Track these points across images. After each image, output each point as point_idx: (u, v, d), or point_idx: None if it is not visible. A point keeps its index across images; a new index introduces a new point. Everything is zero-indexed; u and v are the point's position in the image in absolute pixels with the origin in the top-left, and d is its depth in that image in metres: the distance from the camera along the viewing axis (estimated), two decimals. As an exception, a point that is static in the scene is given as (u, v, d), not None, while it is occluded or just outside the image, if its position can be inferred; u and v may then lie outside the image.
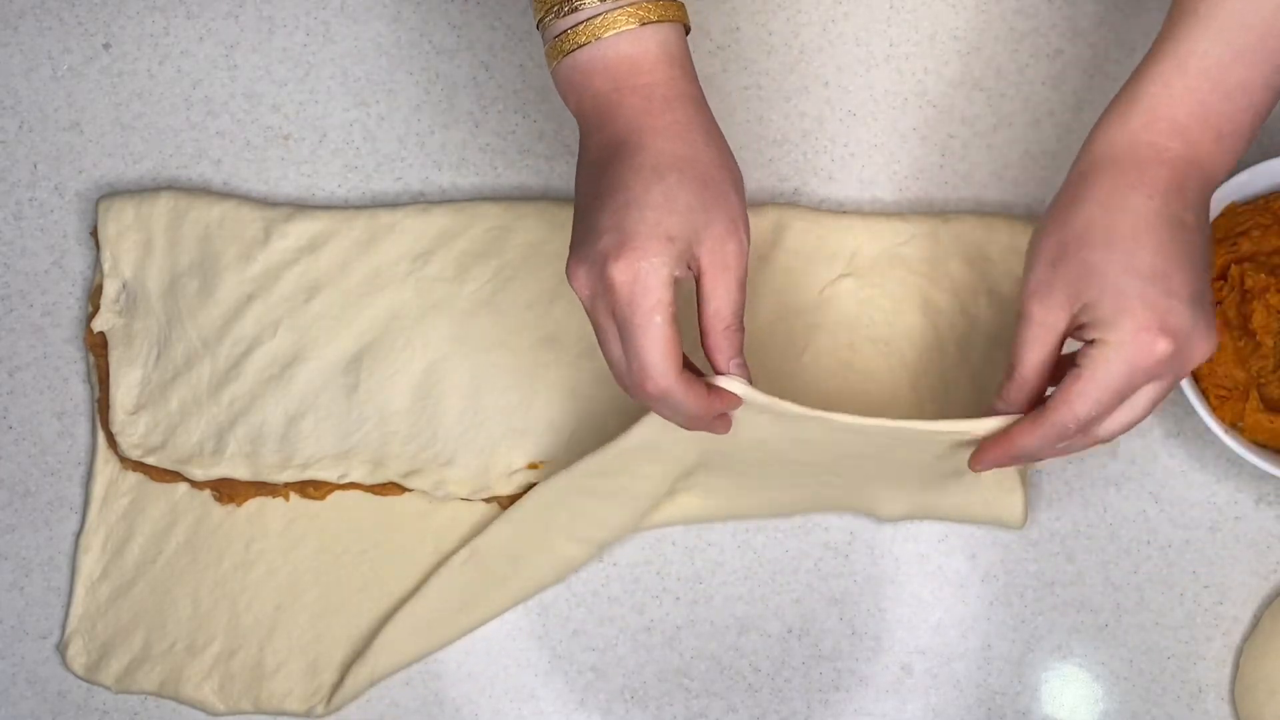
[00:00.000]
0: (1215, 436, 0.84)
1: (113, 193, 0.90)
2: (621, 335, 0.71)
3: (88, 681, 0.87)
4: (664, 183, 0.71)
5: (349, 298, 0.88)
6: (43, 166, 0.92)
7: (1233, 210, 0.86)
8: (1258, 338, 0.84)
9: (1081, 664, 0.87)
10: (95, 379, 0.89)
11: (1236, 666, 0.87)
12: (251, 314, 0.88)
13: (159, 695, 0.87)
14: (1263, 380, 0.85)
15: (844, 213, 0.90)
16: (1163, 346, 0.70)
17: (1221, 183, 0.75)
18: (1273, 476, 0.87)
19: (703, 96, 0.75)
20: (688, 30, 0.76)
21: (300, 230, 0.89)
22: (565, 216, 0.88)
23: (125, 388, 0.88)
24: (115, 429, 0.87)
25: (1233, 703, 0.87)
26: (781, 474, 0.83)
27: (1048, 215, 0.73)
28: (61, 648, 0.87)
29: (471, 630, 0.87)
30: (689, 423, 0.74)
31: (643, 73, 0.74)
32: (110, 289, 0.88)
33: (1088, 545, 0.88)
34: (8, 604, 0.88)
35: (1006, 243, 0.88)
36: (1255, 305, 0.84)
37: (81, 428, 0.90)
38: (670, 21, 0.74)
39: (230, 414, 0.87)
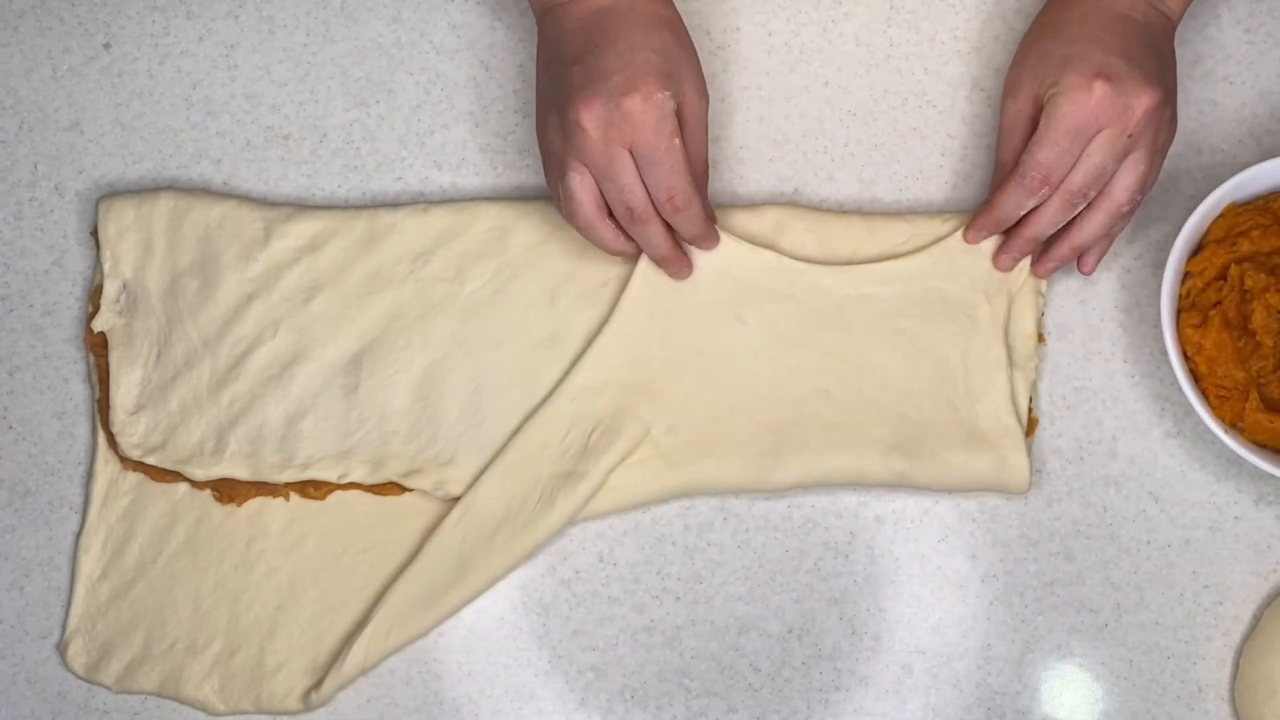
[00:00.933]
0: (1215, 436, 0.84)
1: (113, 193, 0.90)
2: (644, 161, 0.79)
3: (88, 681, 0.87)
4: (660, 34, 0.81)
5: (349, 298, 0.88)
6: (43, 166, 0.92)
7: (1233, 210, 0.86)
8: (1258, 338, 0.84)
9: (1081, 664, 0.87)
10: (95, 379, 0.89)
11: (1236, 666, 0.87)
12: (252, 314, 0.88)
13: (159, 695, 0.87)
14: (1263, 380, 0.85)
15: (844, 213, 0.90)
16: (1100, 87, 0.79)
17: (1178, 16, 0.84)
18: (1273, 476, 0.87)
19: None
20: None
21: (300, 230, 0.89)
22: (565, 216, 0.88)
23: (125, 388, 0.88)
24: (115, 429, 0.87)
25: (1232, 703, 0.87)
26: (764, 406, 0.86)
27: (1026, 33, 0.84)
28: (61, 648, 0.87)
29: (472, 598, 0.86)
30: (678, 248, 0.84)
31: None
32: (110, 289, 0.88)
33: (1088, 545, 0.88)
34: (8, 604, 0.88)
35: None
36: (1255, 305, 0.84)
37: (81, 428, 0.90)
38: None
39: (230, 414, 0.87)
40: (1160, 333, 0.87)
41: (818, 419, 0.86)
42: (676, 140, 0.79)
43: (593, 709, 0.87)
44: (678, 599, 0.88)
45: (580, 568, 0.88)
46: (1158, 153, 0.82)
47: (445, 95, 0.92)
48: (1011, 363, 0.87)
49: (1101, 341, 0.90)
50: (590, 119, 0.78)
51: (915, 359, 0.87)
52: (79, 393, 0.90)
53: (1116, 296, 0.90)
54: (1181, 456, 0.89)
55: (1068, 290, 0.90)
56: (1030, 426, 0.88)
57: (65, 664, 0.87)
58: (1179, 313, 0.86)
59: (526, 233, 0.89)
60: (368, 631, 0.85)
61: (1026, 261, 0.87)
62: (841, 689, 0.87)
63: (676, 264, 0.86)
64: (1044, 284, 0.88)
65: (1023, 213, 0.84)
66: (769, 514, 0.88)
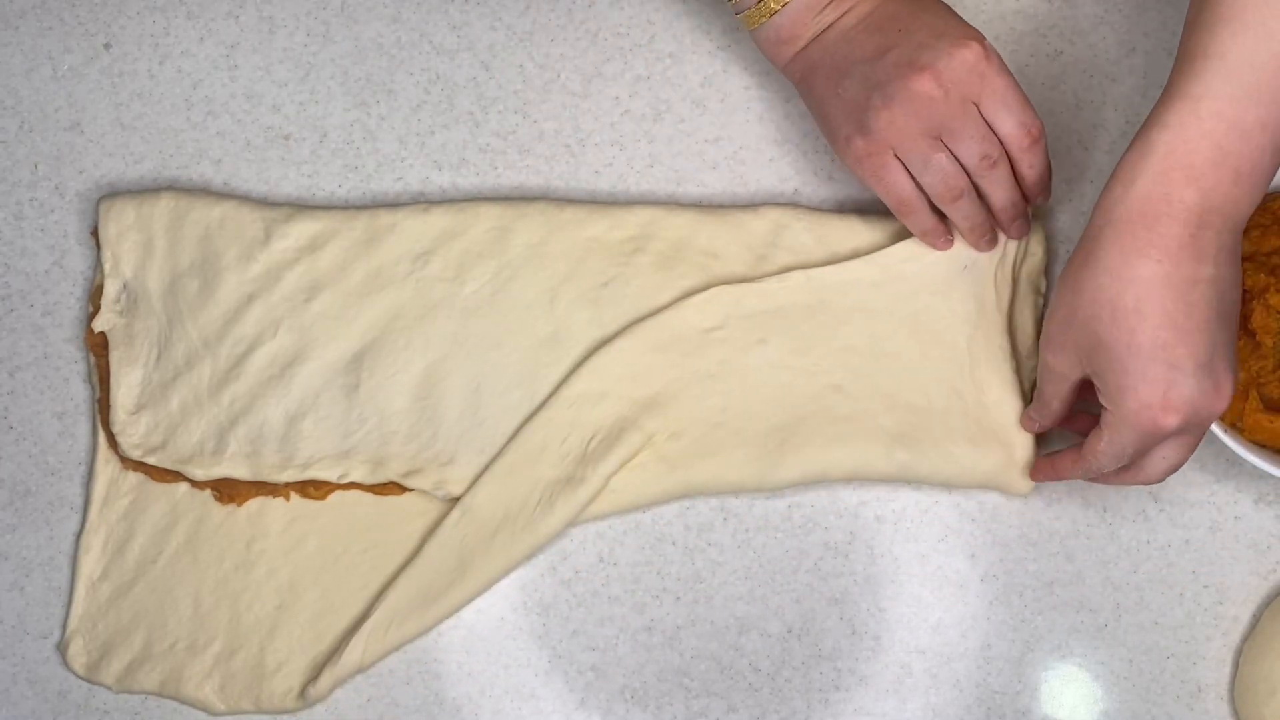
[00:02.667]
0: (1215, 436, 0.84)
1: (113, 193, 0.90)
2: (997, 104, 0.79)
3: (88, 681, 0.87)
4: (941, 9, 0.81)
5: (349, 298, 0.88)
6: (43, 166, 0.92)
7: (1233, 210, 0.86)
8: (1257, 338, 0.84)
9: (1081, 664, 0.87)
10: (96, 379, 0.89)
11: (1236, 666, 0.87)
12: (252, 314, 0.88)
13: (159, 695, 0.87)
14: (1263, 380, 0.85)
15: (844, 213, 0.90)
16: (1169, 420, 0.73)
17: (1246, 220, 0.74)
18: (1273, 476, 0.87)
19: None
20: None
21: (300, 230, 0.89)
22: (565, 217, 0.88)
23: (126, 388, 0.88)
24: (116, 429, 0.87)
25: (1232, 703, 0.87)
26: (773, 409, 0.86)
27: (1064, 272, 0.76)
28: (62, 648, 0.87)
29: (471, 599, 0.86)
30: (1008, 210, 0.84)
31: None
32: (111, 289, 0.88)
33: (1088, 545, 0.88)
34: (8, 604, 0.88)
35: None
36: (1255, 305, 0.84)
37: (82, 428, 0.90)
38: None
39: (231, 414, 0.87)
40: (1160, 333, 0.87)
41: (826, 414, 0.86)
42: (1002, 80, 0.79)
43: (593, 709, 0.87)
44: (678, 599, 0.88)
45: (580, 568, 0.88)
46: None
47: (445, 95, 0.92)
48: (1015, 356, 0.87)
49: (1101, 341, 0.90)
50: (931, 83, 0.77)
51: (927, 343, 0.87)
52: (79, 393, 0.90)
53: (1116, 296, 0.90)
54: (1181, 456, 0.89)
55: (1068, 290, 0.90)
56: None
57: (65, 664, 0.87)
58: (1179, 313, 0.86)
59: (526, 233, 0.89)
60: (366, 628, 0.86)
61: (1039, 256, 0.87)
62: (841, 689, 0.87)
63: (939, 237, 0.85)
64: (1044, 284, 0.88)
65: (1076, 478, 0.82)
66: (769, 514, 0.88)
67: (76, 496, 0.89)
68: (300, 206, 0.90)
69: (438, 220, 0.89)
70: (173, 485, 0.88)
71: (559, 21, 0.92)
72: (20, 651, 0.88)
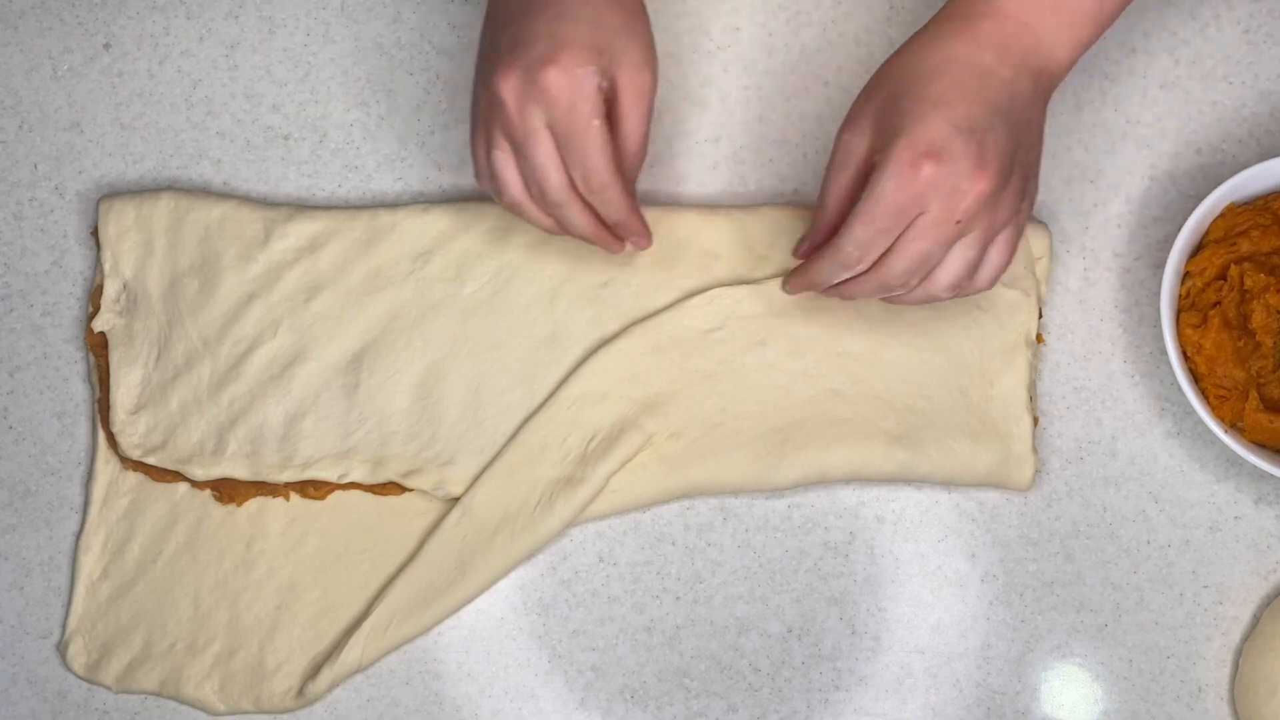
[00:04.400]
0: (1215, 436, 0.84)
1: (113, 193, 0.90)
2: (560, 140, 0.75)
3: (88, 681, 0.87)
4: (596, 3, 0.75)
5: (349, 298, 0.88)
6: (43, 166, 0.92)
7: (1232, 210, 0.86)
8: (1257, 338, 0.84)
9: (1081, 664, 0.87)
10: (95, 379, 0.89)
11: (1236, 666, 0.87)
12: (252, 314, 0.88)
13: (159, 695, 0.87)
14: (1262, 380, 0.85)
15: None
16: (927, 168, 0.72)
17: (1065, 66, 0.77)
18: (1273, 476, 0.87)
19: None
20: None
21: (300, 230, 0.89)
22: (565, 216, 0.88)
23: (125, 388, 0.88)
24: (115, 429, 0.87)
25: (1232, 703, 0.87)
26: (773, 411, 0.86)
27: (887, 59, 0.77)
28: (61, 648, 0.87)
29: (471, 599, 0.86)
30: (604, 229, 0.80)
31: None
32: (111, 289, 0.88)
33: (1088, 545, 0.88)
34: (8, 604, 0.88)
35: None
36: (1255, 305, 0.84)
37: (81, 428, 0.90)
38: None
39: (230, 414, 0.87)
40: (1160, 333, 0.87)
41: (825, 417, 0.86)
42: (596, 121, 0.74)
43: (593, 709, 0.87)
44: (678, 599, 0.88)
45: (580, 568, 0.88)
46: (998, 235, 0.76)
47: (445, 95, 0.92)
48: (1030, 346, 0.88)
49: (1101, 341, 0.90)
50: (508, 89, 0.74)
51: (928, 351, 0.87)
52: (79, 393, 0.90)
53: (1116, 296, 0.90)
54: (1181, 456, 0.89)
55: (1068, 290, 0.90)
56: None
57: (65, 664, 0.87)
58: (1179, 313, 0.86)
59: (526, 233, 0.89)
60: (365, 628, 0.86)
61: (1045, 256, 0.87)
62: (841, 689, 0.87)
63: (605, 243, 0.81)
64: (1044, 285, 0.88)
65: (837, 281, 0.78)
66: (769, 514, 0.88)
67: (76, 496, 0.89)
68: (300, 206, 0.90)
69: (438, 220, 0.89)
70: (173, 485, 0.88)
71: (559, 21, 0.92)
72: (20, 651, 0.88)
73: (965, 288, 0.78)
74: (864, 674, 0.87)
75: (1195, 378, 0.85)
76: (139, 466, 0.88)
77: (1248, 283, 0.84)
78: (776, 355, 0.87)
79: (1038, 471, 0.88)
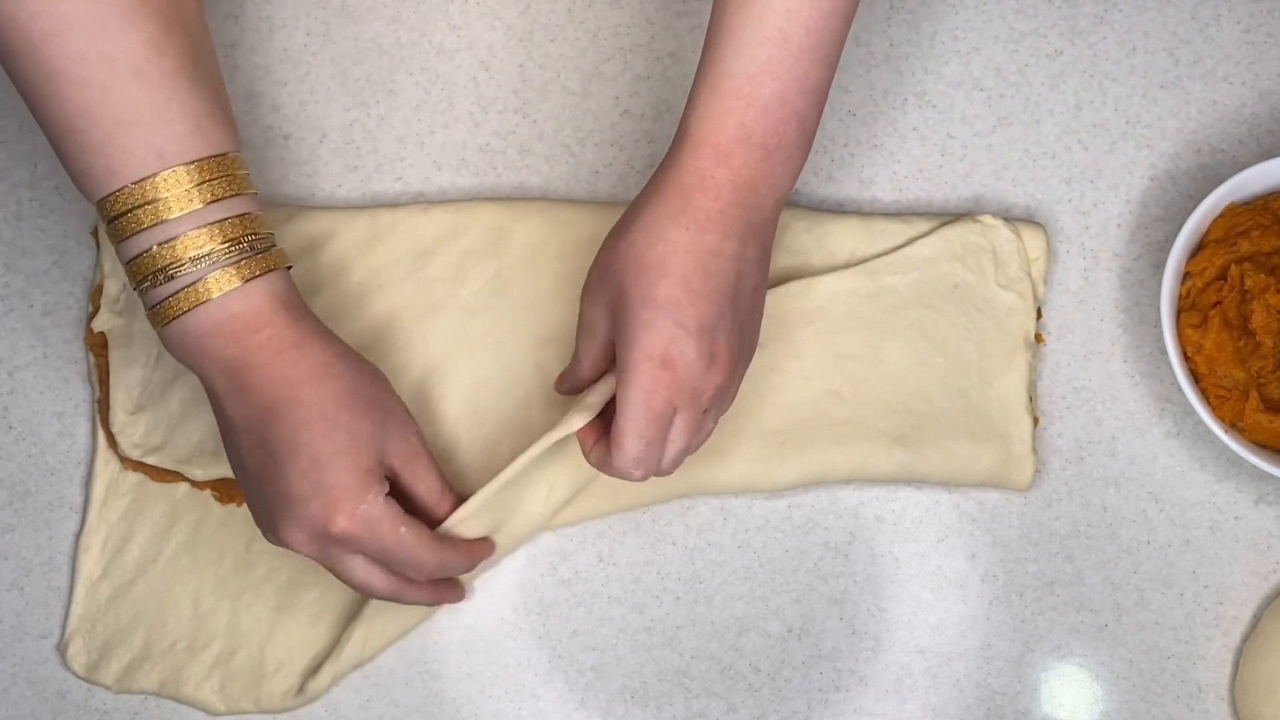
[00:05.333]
0: (1215, 436, 0.84)
1: (113, 193, 0.90)
2: (379, 560, 0.76)
3: (88, 681, 0.87)
4: (340, 427, 0.74)
5: (349, 298, 0.88)
6: (43, 166, 0.92)
7: (1232, 210, 0.86)
8: (1257, 338, 0.84)
9: (1081, 664, 0.87)
10: (95, 379, 0.89)
11: (1236, 666, 0.87)
12: (252, 314, 0.88)
13: (159, 695, 0.87)
14: (1263, 380, 0.85)
15: (844, 213, 0.90)
16: (664, 375, 0.73)
17: (787, 192, 0.77)
18: (1273, 476, 0.87)
19: (320, 322, 0.78)
20: (289, 267, 0.77)
21: (300, 230, 0.89)
22: (565, 216, 0.88)
23: (125, 388, 0.88)
24: (115, 429, 0.87)
25: (1232, 703, 0.87)
26: (772, 412, 0.87)
27: (612, 229, 0.77)
28: (61, 648, 0.87)
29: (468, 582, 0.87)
30: (464, 571, 0.81)
31: (262, 328, 0.75)
32: (111, 289, 0.88)
33: (1088, 545, 0.88)
34: (8, 604, 0.88)
35: (1006, 241, 0.88)
36: (1255, 305, 0.84)
37: (81, 428, 0.90)
38: (274, 270, 0.75)
39: (230, 414, 0.87)
40: (1160, 333, 0.87)
41: (825, 418, 0.86)
42: (402, 529, 0.75)
43: (593, 709, 0.87)
44: (678, 599, 0.88)
45: (580, 568, 0.88)
46: (732, 398, 0.79)
47: (445, 95, 0.92)
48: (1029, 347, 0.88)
49: (1101, 341, 0.90)
50: (304, 544, 0.75)
51: (927, 353, 0.87)
52: (79, 393, 0.90)
53: (1116, 296, 0.90)
54: (1181, 456, 0.89)
55: (1068, 290, 0.90)
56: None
57: (65, 664, 0.87)
58: (1179, 313, 0.86)
59: (526, 233, 0.89)
60: (365, 617, 0.85)
61: (1041, 257, 0.88)
62: (841, 689, 0.87)
63: (451, 599, 0.84)
64: (1040, 285, 0.88)
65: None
66: (769, 514, 0.88)
67: (76, 496, 0.89)
68: (300, 206, 0.90)
69: (437, 220, 0.89)
70: (173, 485, 0.88)
71: (559, 21, 0.92)
72: (20, 651, 0.88)
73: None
74: (864, 674, 0.87)
75: (1195, 378, 0.85)
76: (139, 466, 0.88)
77: (1248, 283, 0.84)
78: (775, 357, 0.87)
79: (1038, 471, 0.88)
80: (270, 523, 0.75)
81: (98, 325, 0.88)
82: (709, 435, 0.79)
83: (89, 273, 0.91)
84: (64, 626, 0.88)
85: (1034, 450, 0.87)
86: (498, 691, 0.87)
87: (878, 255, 0.88)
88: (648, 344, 0.73)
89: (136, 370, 0.88)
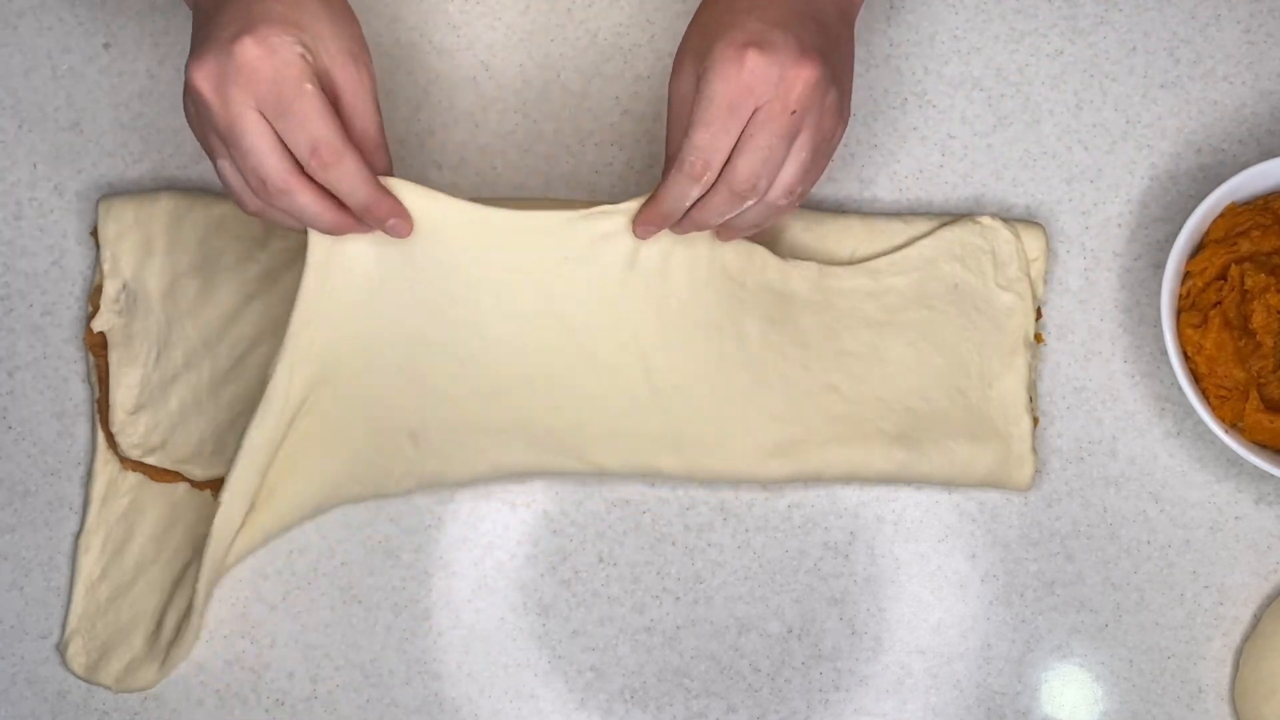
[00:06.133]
0: (1215, 436, 0.84)
1: (113, 193, 0.90)
2: (274, 114, 0.69)
3: (88, 681, 0.87)
4: None
5: (349, 297, 0.88)
6: (43, 166, 0.92)
7: (1233, 210, 0.86)
8: (1258, 338, 0.84)
9: (1081, 664, 0.87)
10: (95, 379, 0.89)
11: (1236, 667, 0.87)
12: (252, 314, 0.88)
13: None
14: (1263, 380, 0.85)
15: (844, 213, 0.90)
16: (753, 57, 0.70)
17: (856, 6, 0.78)
18: (1273, 476, 0.87)
19: None
20: None
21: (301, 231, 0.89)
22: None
23: (125, 388, 0.88)
24: (115, 429, 0.87)
25: (1232, 703, 0.87)
26: (770, 395, 0.85)
27: (696, 10, 0.76)
28: (61, 648, 0.87)
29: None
30: (348, 216, 0.74)
31: None
32: (110, 289, 0.88)
33: (1088, 545, 0.88)
34: (8, 604, 0.88)
35: (1006, 242, 0.88)
36: (1255, 305, 0.84)
37: (81, 428, 0.90)
38: None
39: (230, 414, 0.87)
40: (1160, 333, 0.87)
41: (824, 414, 0.86)
42: (308, 85, 0.69)
43: (593, 709, 0.87)
44: (678, 599, 0.88)
45: (580, 568, 0.88)
46: (823, 141, 0.74)
47: (445, 95, 0.92)
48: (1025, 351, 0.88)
49: (1101, 341, 0.90)
50: (202, 78, 0.69)
51: (927, 353, 0.87)
52: (79, 393, 0.90)
53: (1116, 296, 0.90)
54: (1181, 456, 0.89)
55: (1068, 290, 0.90)
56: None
57: (65, 664, 0.87)
58: (1179, 313, 0.86)
59: (527, 232, 0.88)
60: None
61: (1041, 257, 0.88)
62: (841, 689, 0.87)
63: (352, 228, 0.75)
64: (1040, 285, 0.88)
65: (689, 203, 0.75)
66: (769, 514, 0.88)
67: (76, 496, 0.89)
68: (300, 206, 0.90)
69: (437, 220, 0.89)
70: (172, 485, 0.88)
71: (559, 21, 0.92)
72: (20, 651, 0.88)
73: (796, 198, 0.76)
74: (864, 674, 0.87)
75: (1195, 378, 0.85)
76: (139, 466, 0.88)
77: (1248, 283, 0.84)
78: (781, 338, 0.87)
79: (1038, 472, 0.88)
80: (188, 63, 0.70)
81: (97, 325, 0.88)
82: (801, 170, 0.74)
83: (89, 273, 0.91)
84: (64, 626, 0.87)
85: (1034, 450, 0.87)
86: (498, 691, 0.87)
87: (878, 255, 0.88)
88: (731, 36, 0.71)
89: (136, 370, 0.88)
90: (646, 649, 0.88)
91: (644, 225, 0.78)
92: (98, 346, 0.89)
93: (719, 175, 0.73)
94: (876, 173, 0.91)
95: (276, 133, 0.70)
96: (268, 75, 0.69)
